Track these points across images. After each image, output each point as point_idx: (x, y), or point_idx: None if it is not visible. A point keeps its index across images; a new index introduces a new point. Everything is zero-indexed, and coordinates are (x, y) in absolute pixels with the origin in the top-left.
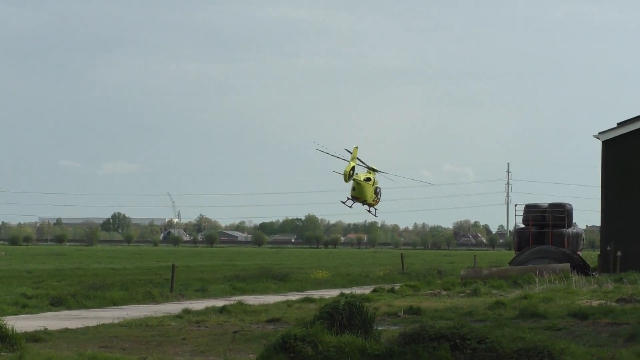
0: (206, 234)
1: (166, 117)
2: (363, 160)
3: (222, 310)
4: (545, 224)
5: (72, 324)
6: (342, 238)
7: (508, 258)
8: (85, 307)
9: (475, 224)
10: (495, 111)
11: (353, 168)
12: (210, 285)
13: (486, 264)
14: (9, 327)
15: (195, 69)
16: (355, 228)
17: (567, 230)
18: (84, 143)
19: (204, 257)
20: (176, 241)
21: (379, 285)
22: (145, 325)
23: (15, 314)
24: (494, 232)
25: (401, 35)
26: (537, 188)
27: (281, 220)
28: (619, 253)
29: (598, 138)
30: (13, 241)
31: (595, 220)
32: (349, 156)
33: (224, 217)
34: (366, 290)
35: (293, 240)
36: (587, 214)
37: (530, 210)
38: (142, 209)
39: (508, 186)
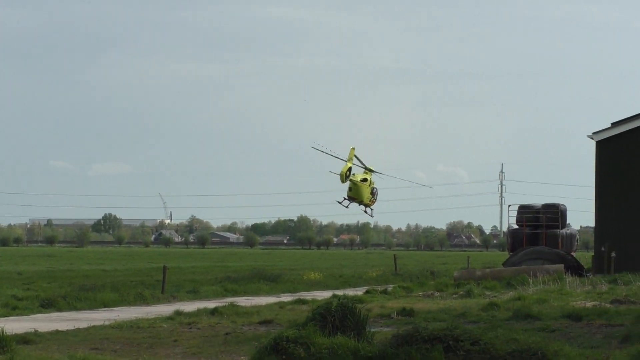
0: (198, 235)
1: (158, 117)
2: (360, 159)
3: (214, 311)
4: (539, 224)
5: (62, 326)
6: (335, 239)
7: (501, 259)
8: (76, 308)
9: (469, 225)
10: (488, 112)
11: (350, 169)
12: (202, 286)
13: (480, 265)
14: None
15: (186, 69)
16: (347, 229)
17: (561, 231)
18: (75, 143)
19: (195, 259)
20: (167, 242)
21: (371, 286)
22: (137, 327)
23: (5, 316)
24: (487, 233)
25: (399, 35)
26: (530, 189)
27: (273, 221)
28: (613, 254)
29: (592, 138)
30: (3, 242)
31: (590, 221)
32: (343, 154)
33: (216, 218)
34: (359, 291)
35: (285, 242)
36: (581, 214)
37: (524, 211)
38: (133, 210)
39: (502, 187)
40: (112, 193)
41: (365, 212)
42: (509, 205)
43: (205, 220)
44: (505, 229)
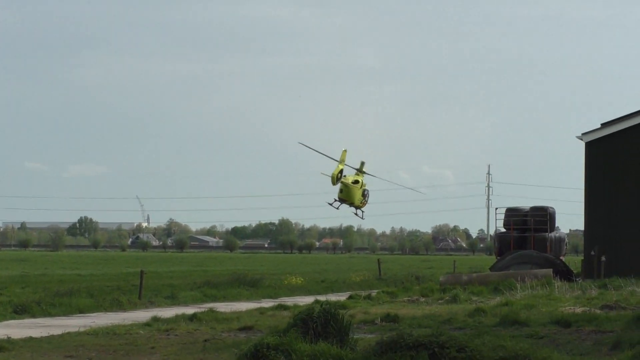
0: (176, 238)
1: (135, 117)
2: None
3: (193, 318)
4: (527, 228)
5: (36, 333)
6: (317, 243)
7: (488, 263)
8: (50, 314)
9: (455, 228)
10: (475, 112)
11: (341, 171)
12: (180, 292)
13: (466, 270)
14: None
15: (164, 68)
16: (330, 232)
17: (550, 234)
18: (50, 144)
19: (173, 263)
20: (145, 246)
21: (355, 291)
22: (113, 333)
23: None
24: (474, 237)
25: (382, 34)
26: (518, 191)
27: (254, 225)
28: (603, 258)
29: (581, 139)
30: None
31: (579, 224)
32: (331, 153)
33: (195, 221)
34: (342, 297)
35: (266, 245)
36: (571, 217)
37: (512, 214)
38: (110, 213)
39: (488, 189)
40: (88, 195)
41: (356, 214)
42: (496, 208)
43: (183, 224)
44: (492, 232)
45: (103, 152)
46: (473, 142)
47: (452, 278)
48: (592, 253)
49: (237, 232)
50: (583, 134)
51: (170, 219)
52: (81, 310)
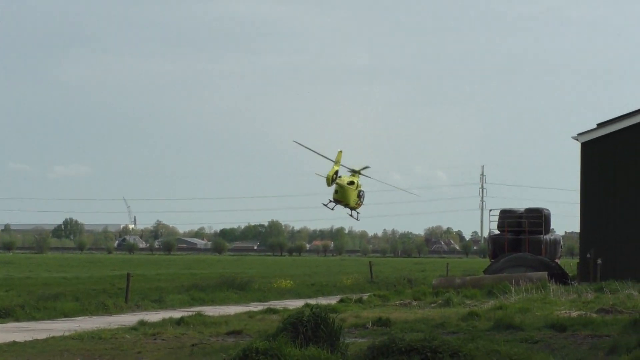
0: (163, 240)
1: (121, 117)
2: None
3: (180, 321)
4: (522, 230)
5: (20, 337)
6: (308, 245)
7: (482, 266)
8: (34, 318)
9: (448, 230)
10: (469, 111)
11: (336, 172)
12: (168, 295)
13: (459, 273)
14: None
15: (151, 66)
16: (321, 234)
17: (545, 236)
18: (35, 144)
19: (161, 266)
20: (131, 248)
21: (346, 295)
22: (98, 338)
23: None
24: (467, 239)
25: (374, 32)
26: (513, 192)
27: (243, 226)
28: (599, 261)
29: (577, 140)
30: None
31: (575, 226)
32: (326, 153)
33: (183, 223)
34: (332, 300)
35: (255, 248)
36: (566, 219)
37: (506, 216)
38: (96, 215)
39: (482, 190)
40: (74, 197)
41: (351, 215)
42: (490, 210)
43: (171, 225)
44: (486, 234)
45: (89, 153)
46: (467, 143)
47: (445, 281)
48: (588, 255)
49: (226, 234)
50: (579, 135)
51: (158, 220)
52: (66, 314)
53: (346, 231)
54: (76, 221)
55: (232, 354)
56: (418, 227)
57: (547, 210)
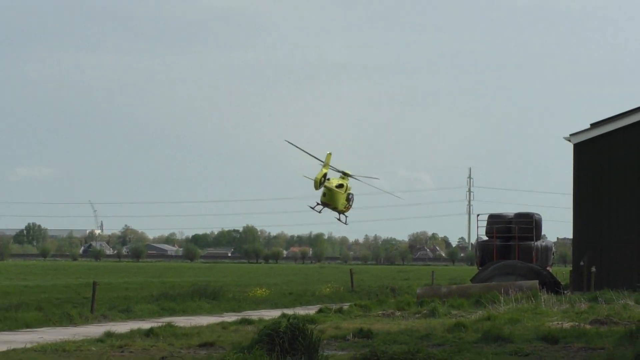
0: (132, 247)
1: (87, 116)
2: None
3: (149, 333)
4: (511, 236)
5: None
6: (285, 252)
7: (469, 274)
8: None
9: (434, 236)
10: (455, 111)
11: (325, 175)
12: (136, 305)
13: (445, 281)
14: None
15: (119, 64)
16: (299, 240)
17: (536, 243)
18: None
19: (129, 273)
20: (98, 255)
21: (325, 304)
22: (62, 350)
23: None
24: (454, 245)
25: (354, 27)
26: (501, 196)
27: (216, 232)
28: (593, 268)
29: (569, 140)
30: None
31: (567, 231)
32: (316, 153)
33: (152, 228)
34: (311, 310)
35: (229, 254)
36: (558, 224)
37: (495, 221)
38: (60, 219)
39: (469, 194)
40: (37, 200)
41: (339, 219)
42: (478, 215)
43: (140, 231)
44: (473, 240)
45: (52, 154)
46: (453, 144)
47: (430, 290)
48: (582, 263)
49: (198, 240)
50: (571, 135)
51: (126, 225)
52: (28, 325)
53: (325, 237)
54: (39, 226)
55: None
56: (402, 233)
57: (538, 215)
